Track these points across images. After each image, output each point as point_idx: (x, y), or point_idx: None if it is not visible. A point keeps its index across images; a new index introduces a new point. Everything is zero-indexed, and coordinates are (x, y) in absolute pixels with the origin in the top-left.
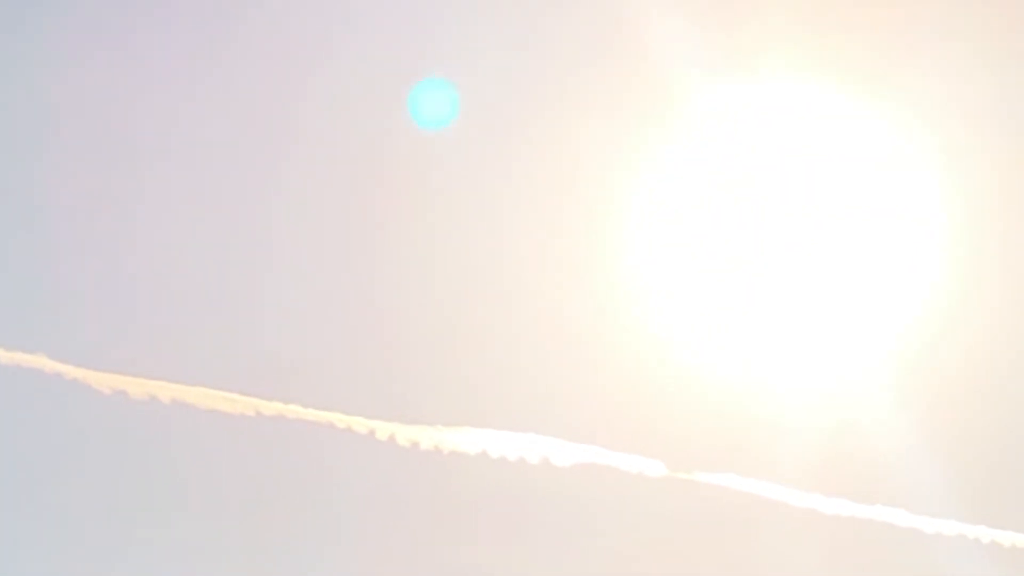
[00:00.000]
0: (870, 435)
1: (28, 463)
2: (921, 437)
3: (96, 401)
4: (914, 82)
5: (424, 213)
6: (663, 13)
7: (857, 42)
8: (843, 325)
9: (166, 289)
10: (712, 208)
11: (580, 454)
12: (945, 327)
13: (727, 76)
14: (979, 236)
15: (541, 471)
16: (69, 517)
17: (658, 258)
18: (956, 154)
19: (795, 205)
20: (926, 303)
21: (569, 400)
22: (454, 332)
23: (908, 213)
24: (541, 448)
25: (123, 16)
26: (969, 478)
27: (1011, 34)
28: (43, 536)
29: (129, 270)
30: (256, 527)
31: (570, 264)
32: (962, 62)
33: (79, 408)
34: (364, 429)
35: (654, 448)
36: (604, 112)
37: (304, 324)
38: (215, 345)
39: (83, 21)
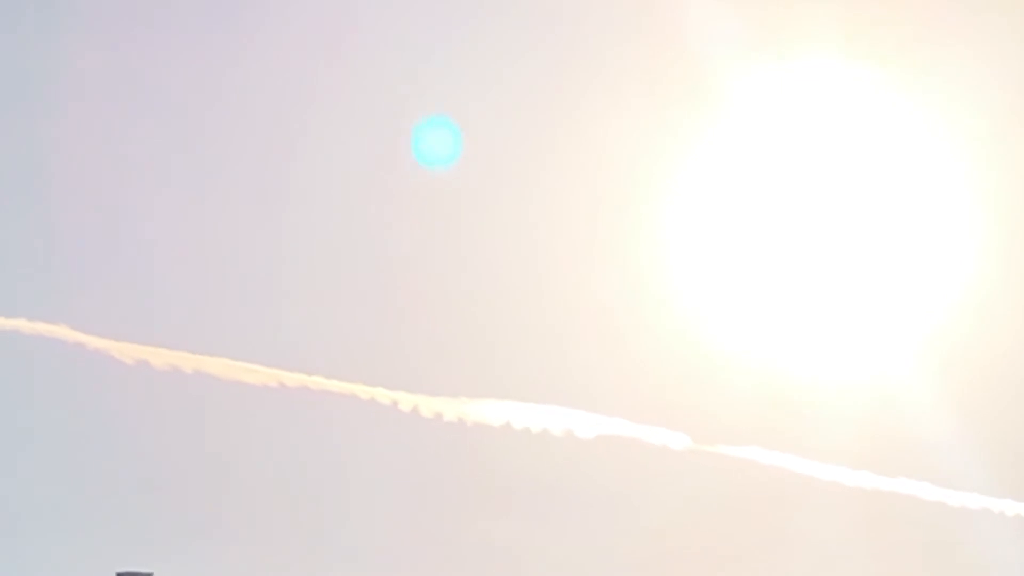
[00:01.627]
0: (895, 410)
1: (51, 432)
2: (946, 412)
3: (119, 371)
4: (956, 69)
5: (452, 191)
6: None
7: (897, 27)
8: (871, 303)
9: (189, 260)
10: (744, 190)
11: (604, 426)
12: (972, 304)
13: (765, 64)
14: (1016, 225)
15: (565, 443)
16: (92, 484)
17: (692, 235)
18: (1000, 143)
19: (827, 189)
20: (954, 284)
21: (593, 372)
22: (478, 304)
23: (943, 201)
24: (565, 420)
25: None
26: (994, 452)
27: None
28: (65, 503)
29: (152, 242)
30: (278, 497)
31: (598, 239)
32: (1008, 50)
33: (102, 378)
34: (387, 400)
35: (679, 421)
36: (643, 98)
37: (327, 296)
38: (238, 316)
39: None
